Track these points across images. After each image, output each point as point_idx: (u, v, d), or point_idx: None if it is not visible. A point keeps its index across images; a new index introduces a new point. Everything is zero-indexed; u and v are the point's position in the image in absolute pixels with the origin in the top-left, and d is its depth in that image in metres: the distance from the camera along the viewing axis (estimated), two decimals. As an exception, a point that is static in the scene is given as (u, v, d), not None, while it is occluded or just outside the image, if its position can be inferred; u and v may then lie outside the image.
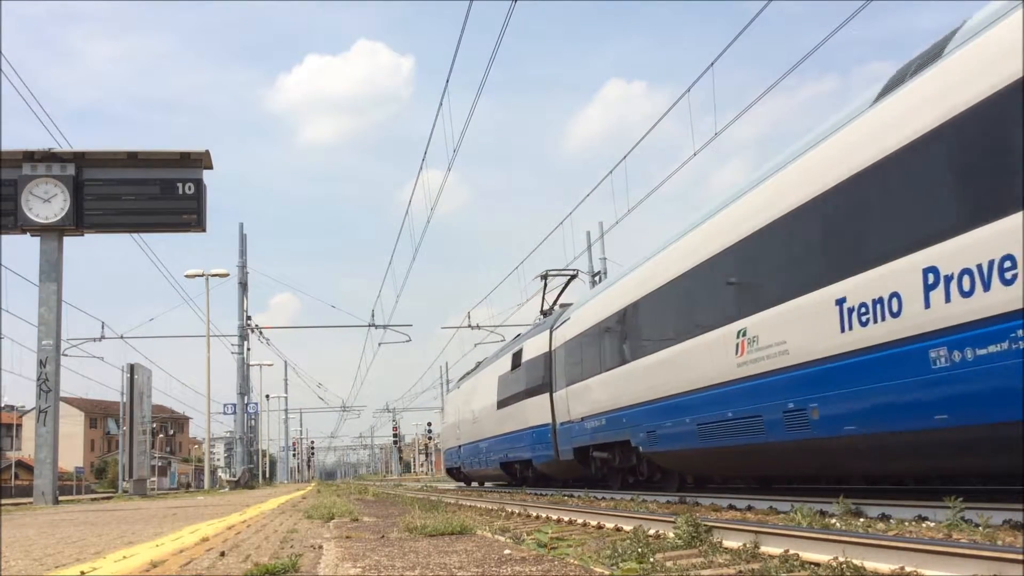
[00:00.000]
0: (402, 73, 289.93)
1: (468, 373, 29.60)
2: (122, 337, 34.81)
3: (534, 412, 18.45)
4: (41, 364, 18.13)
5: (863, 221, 7.49)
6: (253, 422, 43.76)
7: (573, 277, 20.99)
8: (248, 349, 34.77)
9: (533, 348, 18.91)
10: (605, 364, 14.19)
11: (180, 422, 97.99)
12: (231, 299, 39.22)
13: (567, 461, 16.79)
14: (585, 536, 6.89)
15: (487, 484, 28.72)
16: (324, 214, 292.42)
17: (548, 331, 18.09)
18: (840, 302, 7.62)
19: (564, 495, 14.24)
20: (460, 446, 28.72)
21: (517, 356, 20.18)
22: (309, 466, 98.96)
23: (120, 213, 19.20)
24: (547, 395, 17.71)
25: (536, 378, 18.46)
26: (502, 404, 21.52)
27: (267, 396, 62.19)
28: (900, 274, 6.84)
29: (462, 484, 31.46)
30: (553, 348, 17.57)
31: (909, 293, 6.71)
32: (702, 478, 13.74)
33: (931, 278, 6.48)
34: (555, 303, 20.67)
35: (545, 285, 20.97)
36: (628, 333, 13.35)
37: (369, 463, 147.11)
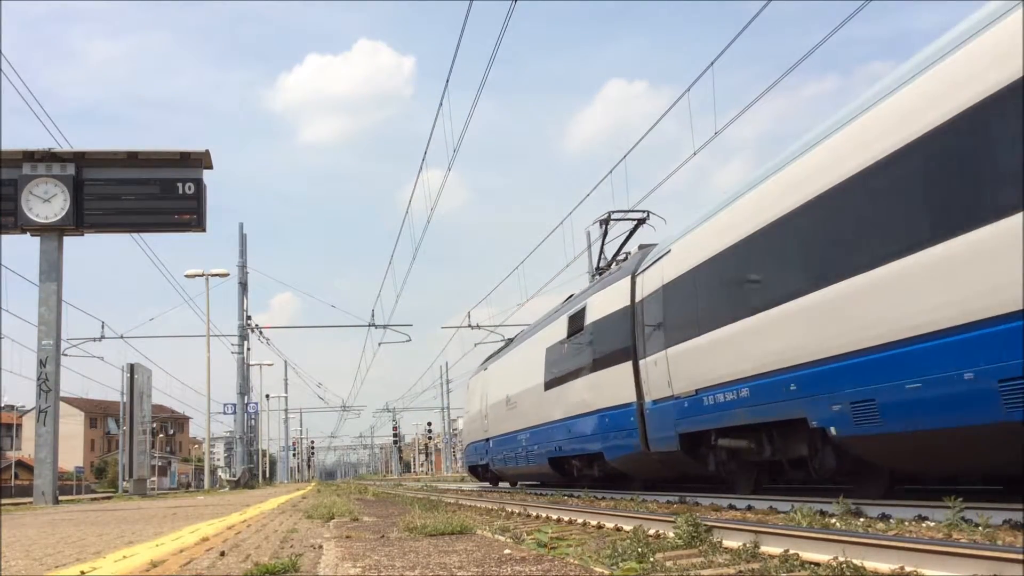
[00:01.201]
0: (403, 73, 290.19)
1: (497, 352, 24.68)
2: (122, 337, 34.85)
3: (606, 389, 13.74)
4: (41, 364, 18.12)
5: None
6: (253, 422, 43.77)
7: (642, 221, 15.79)
8: (248, 349, 34.82)
9: (604, 304, 14.06)
10: (751, 305, 9.41)
11: (180, 422, 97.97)
12: (231, 299, 39.24)
13: (665, 453, 12.06)
14: (585, 536, 6.90)
15: (518, 484, 23.77)
16: (324, 214, 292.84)
17: (628, 278, 13.32)
18: None
19: (564, 495, 14.24)
20: (488, 439, 23.36)
21: (577, 319, 15.39)
22: (309, 466, 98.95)
23: (120, 213, 19.18)
24: (628, 364, 13.05)
25: (610, 343, 13.75)
26: (552, 383, 16.73)
27: (267, 396, 62.22)
28: None
29: (487, 485, 26.78)
30: (640, 299, 12.76)
31: None
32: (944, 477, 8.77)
33: None
34: (616, 255, 15.88)
35: (605, 233, 16.15)
36: (807, 246, 8.56)
37: (369, 463, 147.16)
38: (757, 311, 9.24)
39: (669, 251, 11.85)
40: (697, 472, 12.15)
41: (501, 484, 25.40)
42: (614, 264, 15.58)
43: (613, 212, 15.91)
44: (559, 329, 16.57)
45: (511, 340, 23.51)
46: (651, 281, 12.36)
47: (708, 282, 10.56)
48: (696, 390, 10.77)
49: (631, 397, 12.95)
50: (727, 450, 10.66)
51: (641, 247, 14.24)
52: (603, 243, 16.33)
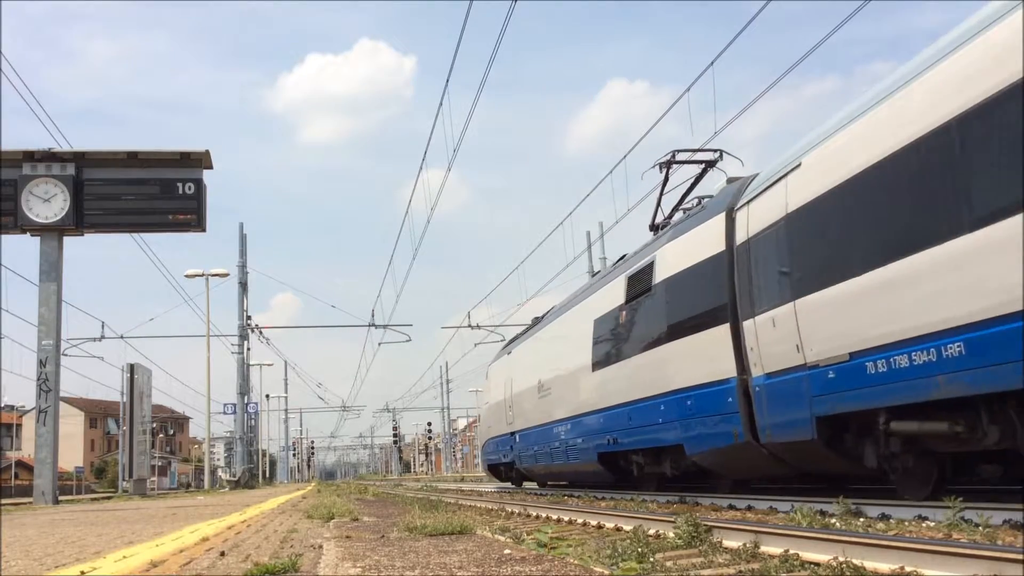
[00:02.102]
0: (404, 73, 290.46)
1: (524, 332, 20.93)
2: (122, 337, 34.83)
3: (687, 363, 10.70)
4: (41, 364, 18.12)
5: None
6: (253, 422, 43.79)
7: (712, 163, 12.75)
8: (248, 349, 34.81)
9: (683, 254, 10.98)
10: (978, 215, 6.28)
11: (180, 422, 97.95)
12: (231, 299, 39.25)
13: (789, 444, 8.84)
14: (585, 536, 6.90)
15: (546, 484, 20.41)
16: (324, 214, 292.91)
17: (721, 217, 10.31)
18: None
19: (564, 495, 14.24)
20: (513, 433, 19.85)
21: (641, 278, 12.15)
22: (309, 466, 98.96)
23: (120, 213, 19.20)
24: (723, 328, 9.98)
25: (693, 303, 10.80)
26: (604, 362, 13.56)
27: (267, 396, 62.26)
28: None
29: (508, 485, 23.24)
30: (744, 240, 9.61)
31: None
32: None
33: None
34: (682, 202, 12.87)
35: (666, 179, 13.07)
36: None
37: (369, 463, 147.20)
38: (989, 221, 6.07)
39: (798, 165, 8.62)
40: (839, 470, 8.99)
41: (526, 485, 21.82)
42: (675, 216, 12.66)
43: (678, 151, 12.98)
44: (613, 294, 13.22)
45: (540, 318, 19.65)
46: (764, 213, 9.20)
47: (884, 194, 7.33)
48: (851, 354, 7.72)
49: (727, 371, 9.84)
50: (903, 438, 7.54)
51: (730, 180, 11.10)
52: (662, 192, 13.14)
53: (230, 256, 37.34)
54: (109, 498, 28.41)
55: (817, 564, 4.12)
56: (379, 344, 36.36)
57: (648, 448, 12.26)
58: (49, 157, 18.78)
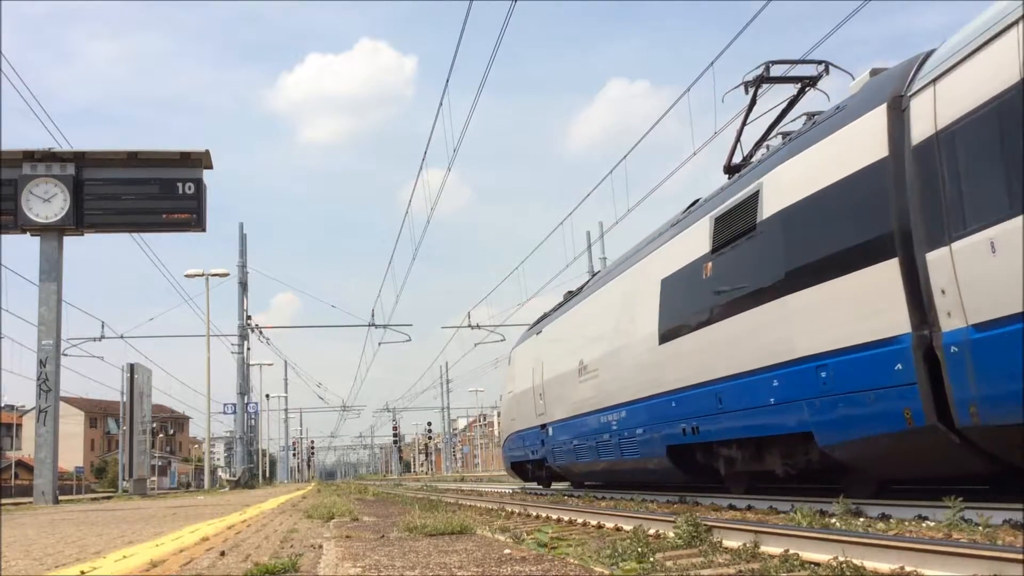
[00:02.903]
0: (404, 73, 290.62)
1: (556, 308, 17.79)
2: (122, 337, 34.85)
3: (821, 320, 7.92)
4: (41, 364, 18.13)
5: None
6: (253, 422, 43.78)
7: (813, 80, 10.22)
8: (248, 349, 34.83)
9: (811, 174, 8.23)
10: None
11: (180, 422, 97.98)
12: (231, 299, 39.27)
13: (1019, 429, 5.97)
14: (585, 536, 6.90)
15: (584, 484, 17.20)
16: (324, 214, 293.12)
17: (881, 111, 7.48)
18: None
19: (564, 495, 14.23)
20: (545, 425, 16.88)
21: (735, 218, 9.53)
22: (309, 466, 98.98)
23: (120, 213, 19.21)
24: (888, 266, 7.21)
25: (832, 238, 7.91)
26: (678, 331, 10.75)
27: (267, 396, 62.28)
28: None
29: (534, 485, 20.21)
30: (928, 136, 6.92)
31: None
32: None
33: None
34: (769, 134, 10.53)
35: (753, 101, 10.55)
36: None
37: (369, 463, 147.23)
38: None
39: None
40: None
41: (555, 485, 19.13)
42: (759, 154, 10.32)
43: (772, 62, 10.45)
44: (689, 246, 10.56)
45: (578, 290, 17.01)
46: (973, 88, 6.41)
47: None
48: None
49: (896, 325, 7.04)
50: None
51: (875, 72, 8.39)
52: (746, 120, 10.65)
53: (230, 256, 37.37)
54: (109, 498, 28.41)
55: (817, 564, 4.13)
56: (379, 344, 36.38)
57: (748, 439, 9.47)
58: (49, 157, 18.79)
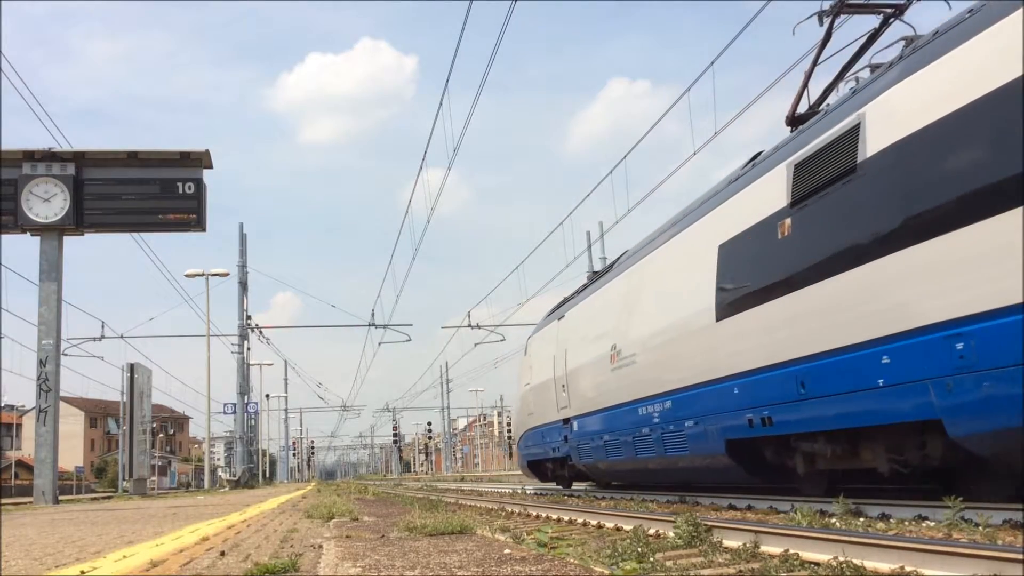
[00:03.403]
0: (405, 72, 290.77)
1: (582, 289, 16.15)
2: (122, 337, 34.89)
3: (958, 279, 6.16)
4: (41, 364, 18.13)
5: None
6: (253, 422, 43.79)
7: (898, 11, 8.80)
8: (248, 349, 34.85)
9: (934, 98, 6.58)
10: None
11: (180, 422, 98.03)
12: (231, 299, 39.26)
13: None
14: (585, 536, 6.90)
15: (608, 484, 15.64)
16: (324, 214, 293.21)
17: None
18: None
19: (565, 495, 14.23)
20: (568, 420, 15.19)
21: (824, 161, 7.93)
22: (309, 466, 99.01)
23: (120, 213, 19.22)
24: None
25: (968, 174, 6.20)
26: (743, 303, 9.09)
27: (267, 396, 62.35)
28: None
29: (553, 486, 18.33)
30: None
31: None
32: None
33: None
34: (842, 76, 9.06)
35: (829, 34, 9.15)
36: None
37: (369, 463, 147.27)
38: None
39: None
40: None
41: (576, 485, 17.29)
42: (824, 103, 9.04)
43: None
44: (759, 201, 8.89)
45: (602, 272, 15.35)
46: None
47: None
48: None
49: None
50: None
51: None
52: (818, 55, 9.23)
53: (230, 256, 37.40)
54: (109, 498, 28.42)
55: (817, 564, 4.13)
56: (379, 344, 36.40)
57: (841, 430, 7.81)
58: (49, 157, 18.80)
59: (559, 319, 16.53)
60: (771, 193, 8.63)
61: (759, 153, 9.80)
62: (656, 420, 11.22)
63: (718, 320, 9.52)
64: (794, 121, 9.34)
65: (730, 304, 9.31)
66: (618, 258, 14.50)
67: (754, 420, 8.74)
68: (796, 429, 8.22)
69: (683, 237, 10.91)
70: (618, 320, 12.95)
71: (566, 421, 15.30)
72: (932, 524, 5.62)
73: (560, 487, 17.55)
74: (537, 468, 18.70)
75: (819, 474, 8.64)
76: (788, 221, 8.27)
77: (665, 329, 11.11)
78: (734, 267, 9.37)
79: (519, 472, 25.28)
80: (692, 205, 11.17)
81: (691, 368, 10.27)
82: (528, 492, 17.53)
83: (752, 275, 8.96)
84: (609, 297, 13.68)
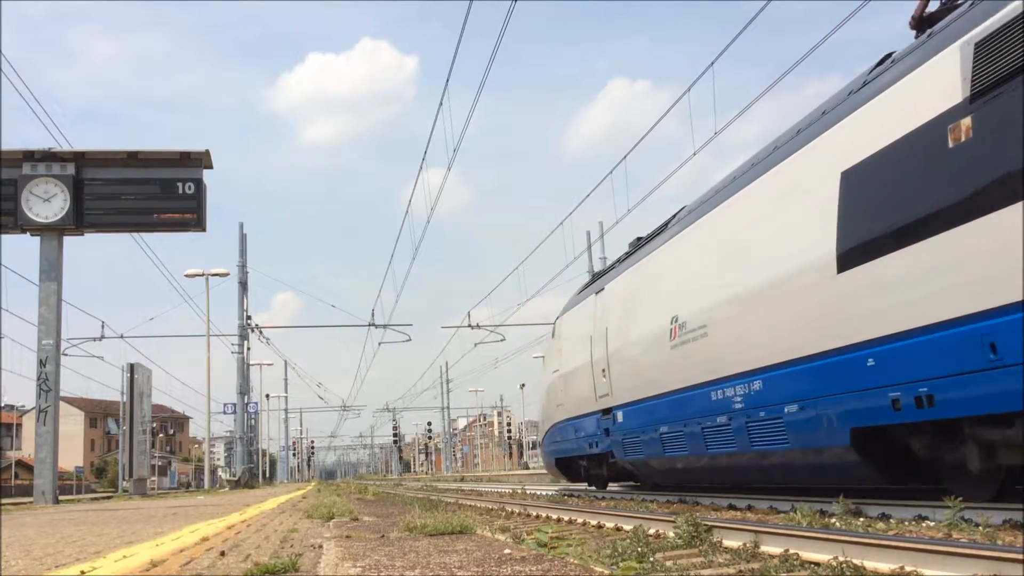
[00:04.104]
0: (405, 72, 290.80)
1: (628, 256, 13.53)
2: (122, 337, 34.89)
3: None
4: (41, 364, 18.13)
5: None
6: (253, 422, 43.80)
7: None
8: (248, 349, 34.83)
9: None
10: None
11: (180, 422, 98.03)
12: (231, 299, 39.28)
13: None
14: (585, 535, 6.90)
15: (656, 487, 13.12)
16: (325, 214, 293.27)
17: None
18: None
19: (565, 495, 14.23)
20: (610, 410, 12.95)
21: None
22: (309, 466, 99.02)
23: (120, 213, 19.23)
24: None
25: None
26: (879, 247, 6.92)
27: (267, 396, 62.40)
28: None
29: (584, 487, 16.24)
30: None
31: None
32: None
33: None
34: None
35: None
36: None
37: (369, 463, 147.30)
38: None
39: None
40: None
41: (611, 486, 15.46)
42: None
43: None
44: (914, 102, 6.78)
45: (651, 236, 12.66)
46: None
47: None
48: None
49: None
50: None
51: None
52: None
53: (230, 256, 37.38)
54: (109, 498, 28.43)
55: (817, 564, 4.13)
56: (379, 344, 36.38)
57: None
58: (49, 157, 18.81)
59: (597, 293, 14.23)
60: (934, 88, 6.55)
61: (890, 54, 7.76)
62: (737, 406, 9.06)
63: (841, 271, 7.42)
64: (921, 22, 7.61)
65: (864, 248, 7.16)
66: (675, 215, 12.01)
67: (902, 401, 6.64)
68: (975, 410, 6.09)
69: (779, 173, 8.64)
70: (680, 286, 10.72)
71: (606, 412, 13.18)
72: (932, 524, 5.62)
73: (594, 488, 15.41)
74: (567, 466, 16.45)
75: (994, 471, 6.57)
76: (967, 121, 6.19)
77: (753, 291, 8.81)
78: (869, 198, 7.18)
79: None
80: (784, 136, 9.11)
81: (796, 337, 8.04)
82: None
83: (904, 204, 6.76)
84: (666, 260, 11.39)
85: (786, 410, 8.18)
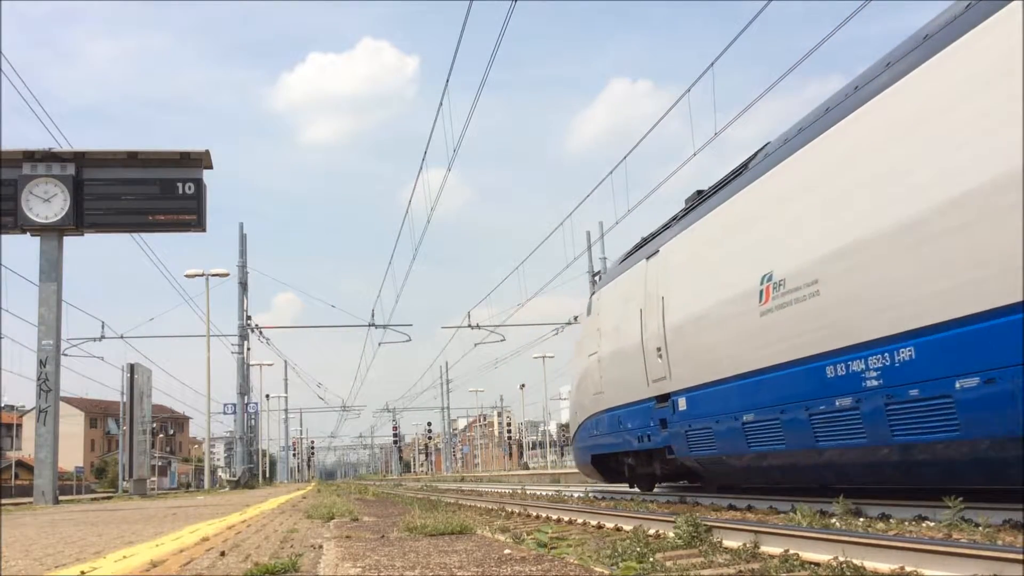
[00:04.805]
0: (406, 72, 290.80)
1: (685, 213, 11.30)
2: (122, 337, 34.86)
3: None
4: (41, 364, 18.13)
5: None
6: (253, 422, 43.79)
7: None
8: (248, 349, 34.82)
9: None
10: None
11: (180, 422, 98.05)
12: (231, 299, 39.26)
13: None
14: (585, 536, 6.90)
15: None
16: (325, 214, 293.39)
17: None
18: None
19: (565, 494, 14.22)
20: (670, 396, 10.85)
21: None
22: (309, 466, 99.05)
23: (120, 213, 19.24)
24: None
25: None
26: None
27: (267, 396, 62.44)
28: None
29: (624, 488, 14.11)
30: None
31: None
32: None
33: None
34: None
35: None
36: None
37: (369, 463, 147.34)
38: None
39: None
40: None
41: (658, 485, 13.42)
42: None
43: None
44: None
45: (708, 191, 10.79)
46: None
47: None
48: None
49: None
50: None
51: None
52: None
53: (230, 256, 37.38)
54: (109, 498, 28.42)
55: (817, 564, 4.13)
56: (379, 344, 36.37)
57: None
58: (49, 157, 18.82)
59: (648, 258, 11.83)
60: None
61: None
62: (871, 383, 6.95)
63: None
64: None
65: None
66: (755, 155, 9.72)
67: None
68: None
69: (928, 72, 6.56)
70: (776, 237, 8.46)
71: (662, 399, 11.04)
72: (932, 524, 5.61)
73: (639, 490, 13.13)
74: (604, 464, 14.08)
75: None
76: None
77: (901, 228, 6.62)
78: None
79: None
80: (928, 27, 6.90)
81: (988, 283, 5.74)
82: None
83: None
84: (752, 207, 9.13)
85: (958, 385, 5.99)
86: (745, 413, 8.94)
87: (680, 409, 10.55)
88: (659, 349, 11.08)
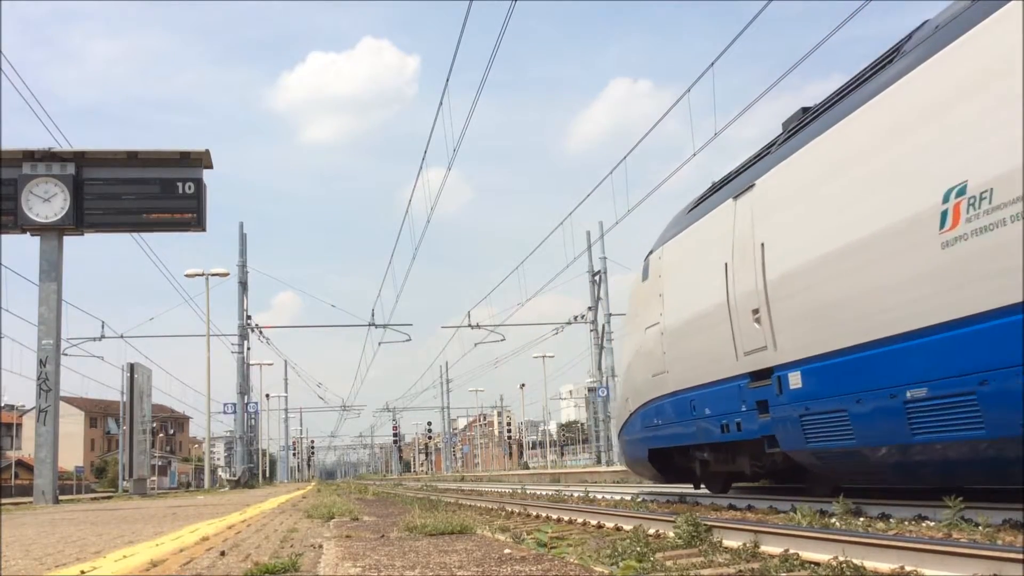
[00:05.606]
0: (407, 72, 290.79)
1: (784, 139, 8.80)
2: (122, 337, 34.92)
3: None
4: (41, 363, 18.13)
5: None
6: (253, 421, 43.78)
7: None
8: (248, 349, 34.86)
9: None
10: None
11: (180, 422, 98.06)
12: (231, 299, 39.27)
13: None
14: (585, 535, 6.90)
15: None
16: (325, 214, 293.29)
17: None
18: None
19: (565, 494, 14.22)
20: (772, 371, 8.28)
21: None
22: (309, 465, 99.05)
23: (120, 213, 19.24)
24: None
25: None
26: None
27: (267, 395, 62.46)
28: None
29: (688, 488, 12.10)
30: None
31: None
32: None
33: None
34: None
35: None
36: None
37: (369, 462, 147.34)
38: None
39: None
40: None
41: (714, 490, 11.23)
42: None
43: None
44: None
45: (814, 109, 8.73)
46: None
47: None
48: None
49: None
50: None
51: None
52: None
53: (230, 256, 37.41)
54: (109, 498, 28.43)
55: (817, 564, 4.12)
56: (379, 344, 36.38)
57: None
58: (49, 157, 18.81)
59: (738, 196, 9.34)
60: None
61: None
62: None
63: None
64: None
65: None
66: (914, 32, 7.28)
67: None
68: None
69: None
70: (970, 134, 5.93)
71: (760, 375, 8.64)
72: (932, 524, 5.61)
73: (709, 491, 11.18)
74: (665, 461, 11.57)
75: None
76: None
77: None
78: None
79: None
80: None
81: None
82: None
83: None
84: (928, 95, 6.47)
85: None
86: (910, 388, 6.52)
87: (791, 387, 8.10)
88: (755, 311, 8.67)
